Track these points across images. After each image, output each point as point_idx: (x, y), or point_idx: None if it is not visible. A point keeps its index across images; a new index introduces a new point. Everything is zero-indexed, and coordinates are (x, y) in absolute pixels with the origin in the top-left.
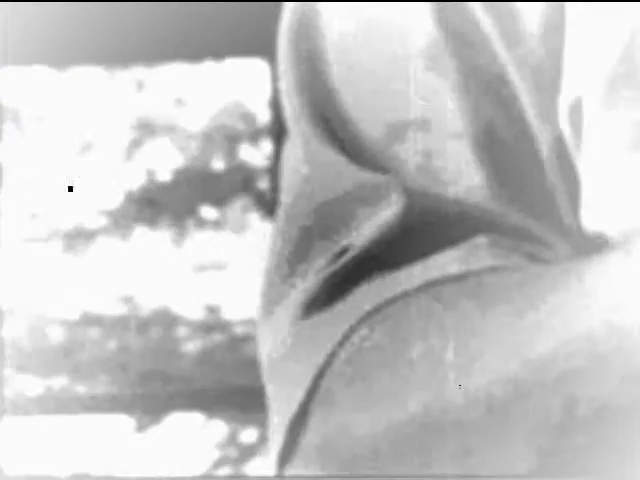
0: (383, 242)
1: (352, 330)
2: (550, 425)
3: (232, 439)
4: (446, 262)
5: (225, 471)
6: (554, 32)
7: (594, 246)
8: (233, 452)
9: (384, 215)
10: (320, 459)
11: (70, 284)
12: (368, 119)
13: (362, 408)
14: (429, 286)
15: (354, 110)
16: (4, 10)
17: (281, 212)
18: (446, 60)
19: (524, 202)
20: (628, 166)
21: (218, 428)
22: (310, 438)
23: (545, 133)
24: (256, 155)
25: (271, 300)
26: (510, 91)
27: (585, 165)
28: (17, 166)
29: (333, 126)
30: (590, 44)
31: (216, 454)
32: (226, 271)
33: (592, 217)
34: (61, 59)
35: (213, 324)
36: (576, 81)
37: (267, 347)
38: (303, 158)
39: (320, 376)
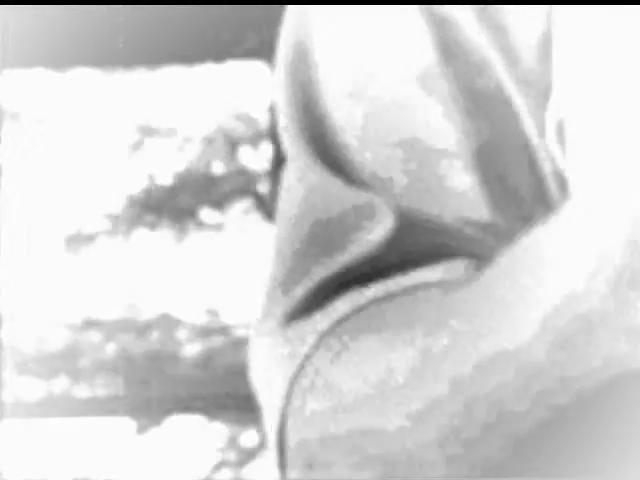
0: (369, 259)
1: (320, 340)
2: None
3: (232, 442)
4: (420, 274)
5: (225, 474)
6: (546, 46)
7: None
8: (233, 455)
9: (373, 233)
10: (303, 464)
11: (71, 287)
12: (360, 141)
13: (332, 413)
14: (404, 293)
15: (346, 133)
16: (4, 13)
17: (277, 235)
18: (443, 81)
19: (527, 221)
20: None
21: (218, 431)
22: (291, 444)
23: (545, 151)
24: (256, 158)
25: (264, 311)
26: (510, 110)
27: (572, 176)
28: (17, 169)
29: (327, 150)
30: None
31: (216, 457)
32: (226, 274)
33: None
34: (61, 61)
35: (213, 327)
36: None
37: (253, 356)
38: (299, 181)
39: (292, 385)
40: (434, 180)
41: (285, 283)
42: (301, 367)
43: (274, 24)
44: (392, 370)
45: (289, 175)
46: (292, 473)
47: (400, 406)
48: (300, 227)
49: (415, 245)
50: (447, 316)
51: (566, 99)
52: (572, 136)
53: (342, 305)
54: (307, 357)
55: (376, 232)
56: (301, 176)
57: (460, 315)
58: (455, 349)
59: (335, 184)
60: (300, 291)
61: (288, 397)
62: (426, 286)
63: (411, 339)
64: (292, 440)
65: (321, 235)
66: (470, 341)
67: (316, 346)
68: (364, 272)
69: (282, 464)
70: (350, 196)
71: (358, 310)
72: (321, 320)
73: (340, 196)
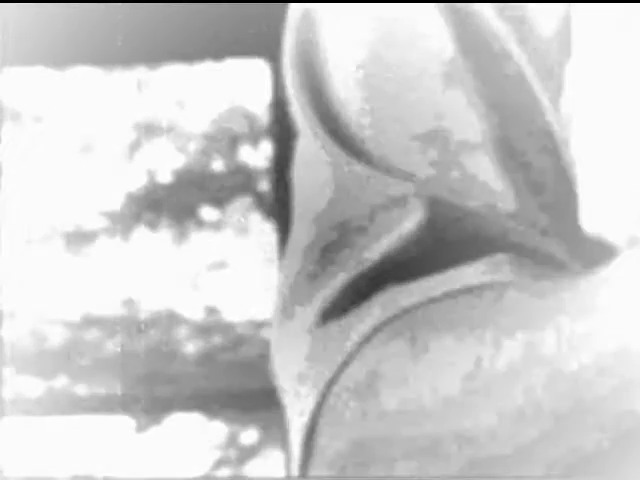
0: (403, 252)
1: (365, 340)
2: (563, 428)
3: (232, 440)
4: (466, 274)
5: (225, 472)
6: (566, 41)
7: (599, 254)
8: (233, 453)
9: (405, 225)
10: (332, 472)
11: (71, 285)
12: (385, 133)
13: (373, 422)
14: (449, 296)
15: (371, 126)
16: (4, 11)
17: (296, 225)
18: (464, 73)
19: (551, 210)
20: (625, 168)
21: (218, 429)
22: (321, 451)
23: (566, 141)
24: (256, 156)
25: (289, 310)
26: (532, 99)
27: (583, 169)
28: (17, 167)
29: (352, 142)
30: None
31: (216, 455)
32: (226, 272)
33: (592, 222)
34: (61, 60)
35: (213, 325)
36: None
37: (282, 356)
38: (326, 172)
39: (329, 387)
40: (457, 171)
41: (313, 278)
42: (343, 367)
43: (274, 22)
44: (482, 367)
45: (311, 168)
46: (321, 472)
47: (495, 404)
48: (325, 217)
49: (447, 235)
50: (554, 312)
51: (576, 94)
52: (580, 132)
53: (381, 304)
54: (351, 356)
55: (408, 222)
56: (329, 168)
57: (570, 311)
58: (566, 345)
59: (369, 174)
60: (334, 287)
61: (323, 397)
62: (481, 287)
63: (509, 334)
64: (323, 446)
65: (350, 226)
66: (583, 338)
67: (361, 345)
68: (398, 263)
69: (306, 465)
70: (385, 186)
71: (408, 309)
72: (360, 320)
73: (375, 186)
